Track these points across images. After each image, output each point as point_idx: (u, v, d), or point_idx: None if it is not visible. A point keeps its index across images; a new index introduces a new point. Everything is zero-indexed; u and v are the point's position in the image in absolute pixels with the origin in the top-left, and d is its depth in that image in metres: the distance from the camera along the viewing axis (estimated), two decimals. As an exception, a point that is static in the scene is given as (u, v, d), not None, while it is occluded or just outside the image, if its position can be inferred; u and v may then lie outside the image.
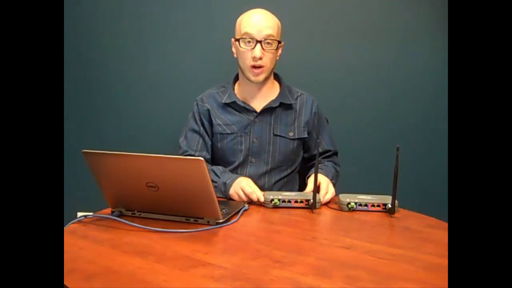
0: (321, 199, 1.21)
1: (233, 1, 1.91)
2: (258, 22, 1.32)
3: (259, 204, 1.22)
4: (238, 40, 1.35)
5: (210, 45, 1.98)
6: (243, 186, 1.24)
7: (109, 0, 2.01)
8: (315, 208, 1.16)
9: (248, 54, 1.33)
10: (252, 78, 1.36)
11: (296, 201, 1.19)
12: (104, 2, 2.02)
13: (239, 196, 1.24)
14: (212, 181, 1.28)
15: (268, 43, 1.33)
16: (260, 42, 1.31)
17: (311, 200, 1.17)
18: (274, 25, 1.34)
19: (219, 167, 1.40)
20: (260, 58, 1.32)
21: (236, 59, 1.41)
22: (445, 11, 1.69)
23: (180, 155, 1.43)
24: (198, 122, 1.44)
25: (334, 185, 1.38)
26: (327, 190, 1.25)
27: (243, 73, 1.38)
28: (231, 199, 1.27)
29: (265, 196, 1.21)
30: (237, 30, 1.37)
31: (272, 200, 1.19)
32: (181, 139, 1.47)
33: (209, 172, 1.30)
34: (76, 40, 2.04)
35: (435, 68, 1.89)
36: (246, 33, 1.32)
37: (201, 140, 1.44)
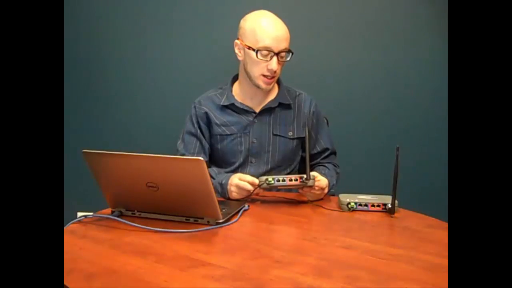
0: (314, 182, 1.18)
1: (233, 2, 1.91)
2: (276, 35, 1.30)
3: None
4: (251, 48, 1.32)
5: (210, 46, 1.98)
6: (237, 183, 1.23)
7: (109, 0, 2.01)
8: (308, 182, 1.15)
9: (263, 65, 1.32)
10: (263, 86, 1.36)
11: (290, 180, 1.18)
12: (104, 2, 2.02)
13: (241, 192, 1.24)
14: None
15: (282, 56, 1.33)
16: (276, 54, 1.31)
17: (305, 176, 1.16)
18: (288, 36, 1.33)
19: (214, 168, 1.42)
20: (275, 71, 1.32)
21: (241, 63, 1.40)
22: (445, 11, 1.70)
23: None
24: (195, 125, 1.44)
25: (335, 185, 1.40)
26: (320, 186, 1.22)
27: (251, 80, 1.37)
28: (229, 198, 1.27)
29: (259, 178, 1.20)
30: (250, 38, 1.32)
31: (267, 179, 1.18)
32: (179, 142, 1.48)
33: None
34: (76, 40, 2.04)
35: (435, 68, 1.89)
36: (264, 47, 1.30)
37: (198, 143, 1.44)
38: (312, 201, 1.21)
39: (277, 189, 1.32)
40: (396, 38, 1.91)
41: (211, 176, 1.34)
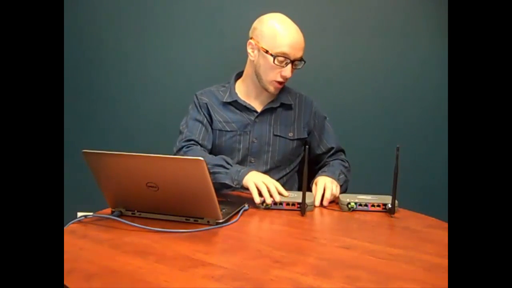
0: (315, 202, 1.19)
1: (233, 2, 1.91)
2: (295, 43, 1.30)
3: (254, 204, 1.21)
4: (268, 53, 1.31)
5: (210, 45, 1.98)
6: (268, 183, 1.18)
7: (109, 0, 2.02)
8: (304, 212, 1.14)
9: (277, 70, 1.32)
10: (273, 91, 1.37)
11: (287, 204, 1.17)
12: (104, 2, 2.02)
13: (259, 188, 1.17)
14: (223, 166, 1.26)
15: (296, 64, 1.33)
16: (292, 62, 1.31)
17: (305, 203, 1.14)
18: (304, 45, 1.34)
19: (228, 158, 1.34)
20: (287, 78, 1.33)
21: (251, 63, 1.38)
22: (445, 11, 1.70)
23: (182, 140, 1.38)
24: (201, 112, 1.43)
25: (345, 180, 1.37)
26: (322, 190, 1.22)
27: (260, 82, 1.37)
28: (241, 188, 1.23)
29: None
30: (268, 42, 1.31)
31: (264, 202, 1.17)
32: (182, 126, 1.43)
33: (219, 160, 1.27)
34: (76, 40, 2.04)
35: (435, 68, 1.89)
36: (283, 53, 1.29)
37: (203, 129, 1.41)
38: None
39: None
40: (396, 38, 1.91)
41: (228, 163, 1.28)
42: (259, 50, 1.34)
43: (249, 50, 1.38)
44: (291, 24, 1.34)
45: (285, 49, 1.29)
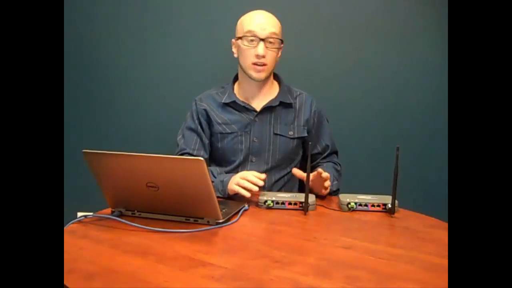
0: (315, 207, 1.20)
1: (233, 1, 1.91)
2: (261, 21, 1.33)
3: (255, 204, 1.22)
4: (240, 38, 1.36)
5: (210, 45, 1.98)
6: (246, 175, 1.22)
7: (109, 0, 2.02)
8: (307, 210, 1.15)
9: (250, 51, 1.33)
10: (255, 75, 1.36)
11: (290, 203, 1.18)
12: (104, 2, 2.02)
13: (241, 185, 1.21)
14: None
15: (270, 41, 1.33)
16: (263, 40, 1.32)
17: (303, 201, 1.16)
18: (276, 25, 1.36)
19: (216, 168, 1.42)
20: (263, 56, 1.32)
21: (237, 59, 1.41)
22: (445, 11, 1.70)
23: (177, 153, 1.44)
24: (196, 121, 1.44)
25: (337, 187, 1.40)
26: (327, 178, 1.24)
27: (245, 72, 1.38)
28: (229, 197, 1.26)
29: (259, 197, 1.21)
30: (239, 29, 1.38)
31: (266, 201, 1.19)
32: (179, 137, 1.47)
33: None
34: (76, 40, 2.04)
35: (435, 68, 1.89)
36: (249, 31, 1.32)
37: (198, 139, 1.44)
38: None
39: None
40: (396, 38, 1.90)
41: (213, 175, 1.35)
42: (236, 43, 1.39)
43: (233, 49, 1.42)
44: (259, 10, 1.37)
45: (250, 27, 1.33)
